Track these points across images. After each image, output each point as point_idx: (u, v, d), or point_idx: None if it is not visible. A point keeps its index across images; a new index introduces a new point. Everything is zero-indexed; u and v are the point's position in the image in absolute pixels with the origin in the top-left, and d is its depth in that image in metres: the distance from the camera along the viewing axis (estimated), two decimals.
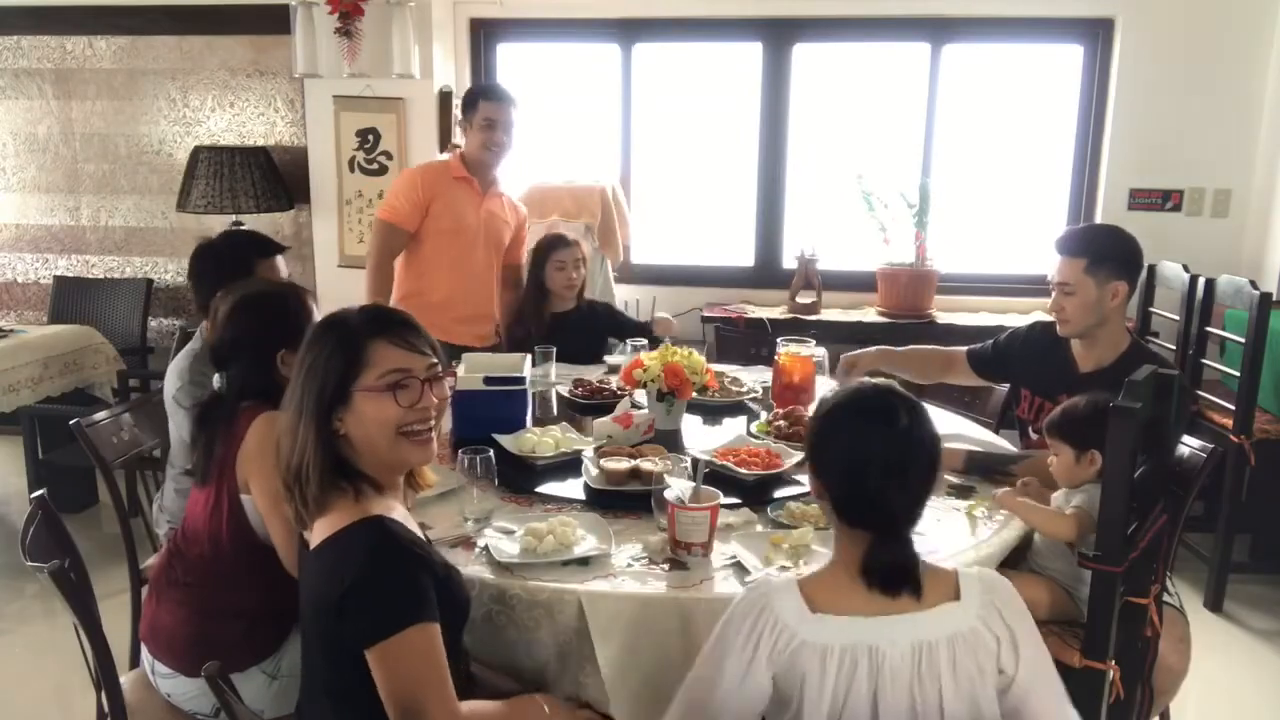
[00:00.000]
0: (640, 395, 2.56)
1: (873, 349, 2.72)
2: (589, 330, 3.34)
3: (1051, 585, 1.92)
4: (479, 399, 2.33)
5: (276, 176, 4.38)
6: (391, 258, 3.22)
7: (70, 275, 4.84)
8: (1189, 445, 2.14)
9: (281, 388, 1.82)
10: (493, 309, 3.37)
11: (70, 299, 4.68)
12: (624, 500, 1.96)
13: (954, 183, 4.41)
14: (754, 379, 2.94)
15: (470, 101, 3.27)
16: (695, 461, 1.83)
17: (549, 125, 4.70)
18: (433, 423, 1.47)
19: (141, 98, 4.66)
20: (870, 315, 4.27)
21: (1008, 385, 2.67)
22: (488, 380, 2.36)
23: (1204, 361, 3.43)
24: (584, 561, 1.68)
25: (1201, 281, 3.41)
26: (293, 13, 3.99)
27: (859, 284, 4.41)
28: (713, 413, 2.68)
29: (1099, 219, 4.22)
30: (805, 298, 4.30)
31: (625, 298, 4.47)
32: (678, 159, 4.66)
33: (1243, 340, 3.10)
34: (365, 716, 1.34)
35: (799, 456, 2.07)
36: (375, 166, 4.29)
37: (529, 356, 2.62)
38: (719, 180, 4.65)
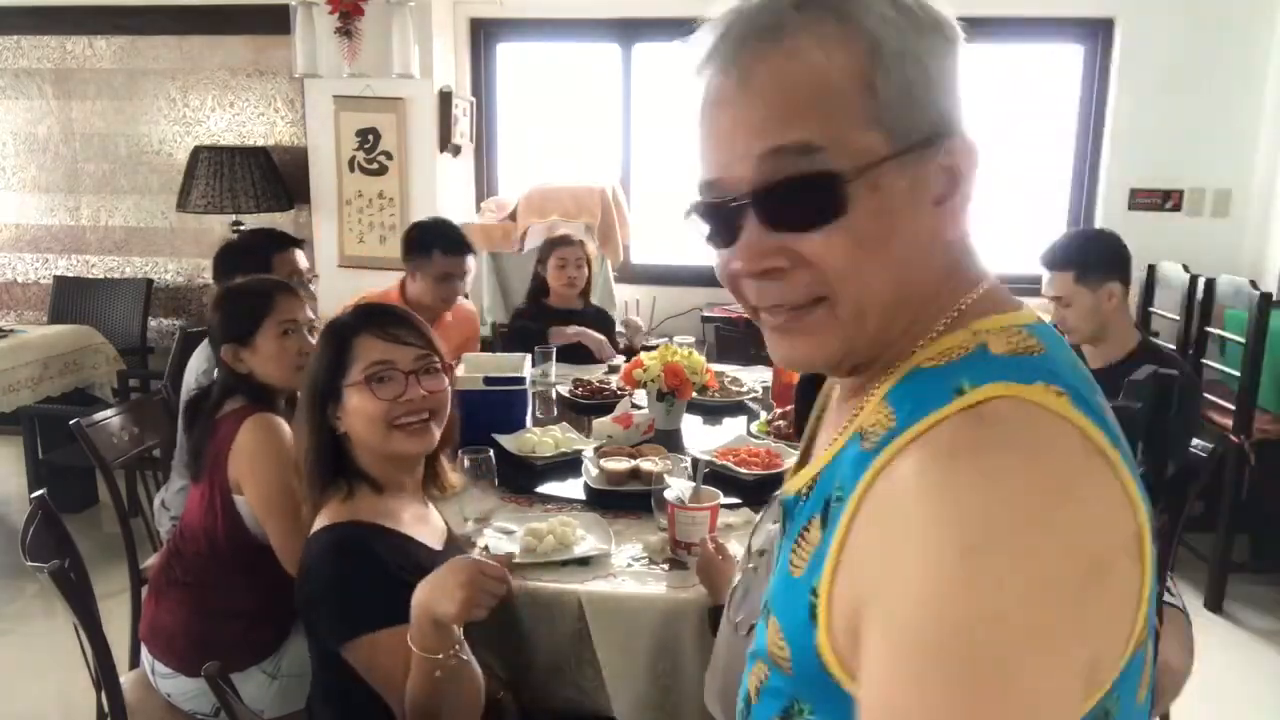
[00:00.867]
0: (640, 395, 2.56)
1: None
2: (598, 325, 3.36)
3: None
4: (479, 399, 2.33)
5: (276, 176, 4.38)
6: None
7: (70, 275, 4.84)
8: (1189, 445, 2.14)
9: (260, 387, 1.84)
10: None
11: (70, 299, 4.68)
12: (624, 500, 1.96)
13: None
14: (754, 379, 2.94)
15: (423, 247, 2.82)
16: (695, 461, 1.83)
17: (549, 125, 4.71)
18: (427, 414, 1.46)
19: (141, 98, 4.66)
20: None
21: None
22: (488, 380, 2.36)
23: (1204, 361, 3.43)
24: (584, 561, 1.68)
25: (1201, 281, 3.41)
26: (293, 13, 3.99)
27: None
28: (713, 412, 2.68)
29: (1099, 219, 4.22)
30: None
31: (625, 298, 4.48)
32: (678, 159, 4.65)
33: (1243, 340, 3.10)
34: (352, 712, 1.36)
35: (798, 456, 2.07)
36: (375, 166, 4.29)
37: (529, 356, 2.62)
38: None
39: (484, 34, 4.58)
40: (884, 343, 0.70)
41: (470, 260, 2.88)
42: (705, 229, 0.75)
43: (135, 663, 2.13)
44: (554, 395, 2.82)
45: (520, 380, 2.41)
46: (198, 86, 4.61)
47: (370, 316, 1.47)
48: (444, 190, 4.35)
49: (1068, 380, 0.63)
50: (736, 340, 4.00)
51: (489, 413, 2.30)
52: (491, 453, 1.94)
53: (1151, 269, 3.76)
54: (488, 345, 3.64)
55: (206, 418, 1.82)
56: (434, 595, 1.23)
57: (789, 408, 2.45)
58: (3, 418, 3.79)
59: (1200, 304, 3.40)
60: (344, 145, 4.27)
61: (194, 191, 4.24)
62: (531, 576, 1.63)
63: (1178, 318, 3.56)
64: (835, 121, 0.65)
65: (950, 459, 0.58)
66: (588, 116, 4.65)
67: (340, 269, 4.38)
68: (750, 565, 0.96)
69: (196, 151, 4.31)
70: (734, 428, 2.52)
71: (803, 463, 0.90)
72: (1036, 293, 2.43)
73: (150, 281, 4.68)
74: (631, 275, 4.58)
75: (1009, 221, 4.45)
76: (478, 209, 4.61)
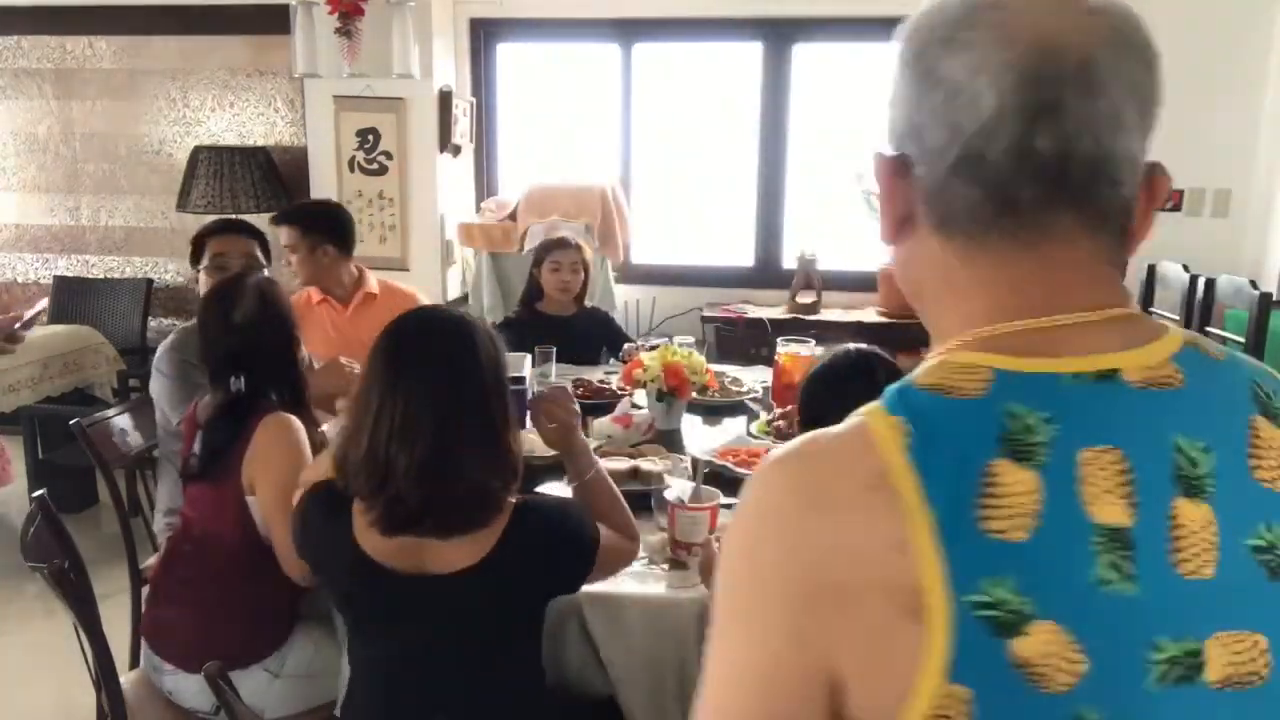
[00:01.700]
0: (640, 395, 2.56)
1: None
2: (586, 337, 3.30)
3: None
4: None
5: (276, 176, 4.38)
6: None
7: (70, 275, 4.83)
8: None
9: (298, 391, 1.84)
10: None
11: (70, 299, 4.68)
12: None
13: None
14: (754, 379, 2.94)
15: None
16: (695, 461, 1.83)
17: (549, 125, 4.71)
18: None
19: (141, 98, 4.66)
20: (870, 315, 4.27)
21: None
22: None
23: None
24: None
25: (1201, 281, 3.40)
26: (293, 13, 3.98)
27: (859, 284, 4.41)
28: (713, 413, 2.68)
29: None
30: (805, 298, 4.30)
31: (625, 298, 4.48)
32: (678, 159, 4.66)
33: (1243, 340, 3.10)
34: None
35: None
36: (375, 166, 4.29)
37: (528, 356, 2.62)
38: (719, 180, 4.65)
39: (484, 34, 4.58)
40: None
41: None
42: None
43: (135, 663, 2.13)
44: None
45: (521, 380, 2.41)
46: (198, 86, 4.61)
47: None
48: (444, 190, 4.35)
49: (953, 426, 0.60)
50: (736, 340, 4.00)
51: None
52: None
53: (1151, 269, 3.75)
54: None
55: (240, 419, 1.79)
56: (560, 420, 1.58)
57: (789, 408, 2.45)
58: (3, 418, 3.79)
59: (1200, 304, 3.39)
60: (344, 145, 4.27)
61: (194, 191, 4.24)
62: None
63: (1178, 318, 3.55)
64: None
65: (767, 460, 0.66)
66: (588, 116, 4.65)
67: None
68: None
69: (196, 151, 4.31)
70: (734, 428, 2.52)
71: None
72: None
73: (150, 281, 4.68)
74: (631, 275, 4.58)
75: None
76: (478, 209, 4.61)
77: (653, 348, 2.67)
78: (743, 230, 4.63)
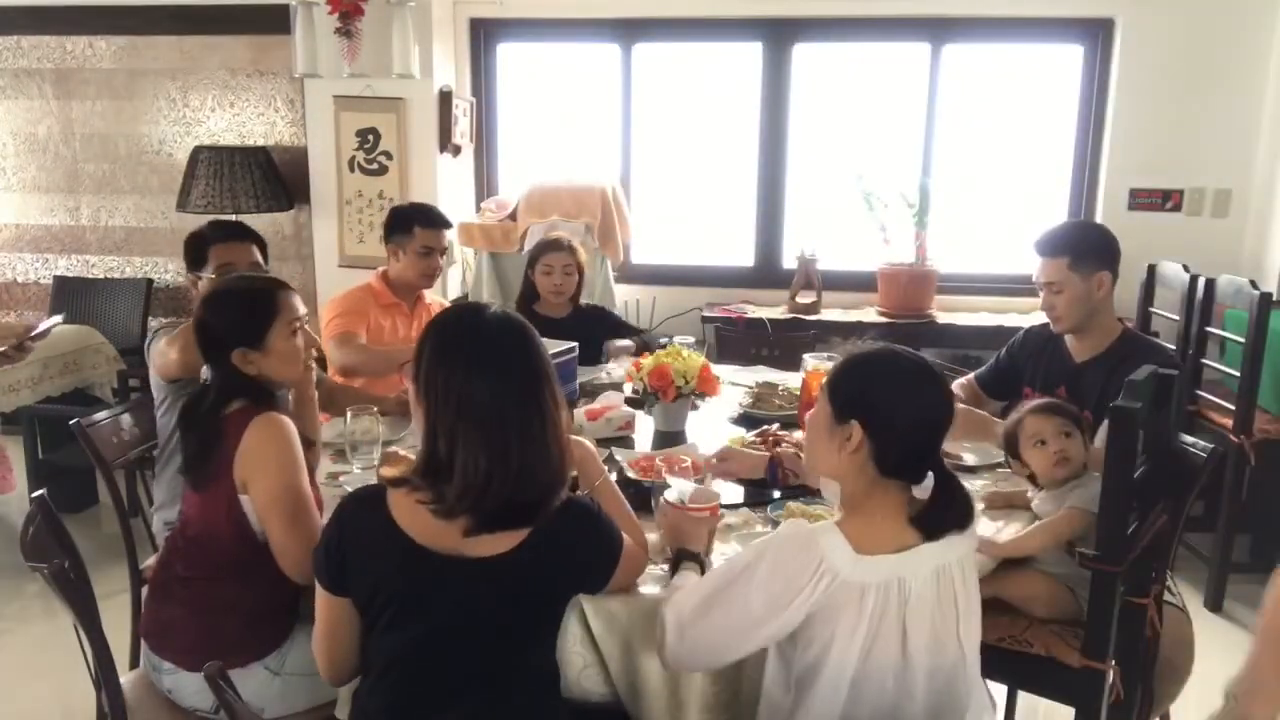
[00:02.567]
0: (629, 389, 2.56)
1: None
2: (580, 338, 3.28)
3: (1052, 583, 1.92)
4: None
5: (276, 176, 4.38)
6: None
7: (70, 275, 4.84)
8: (1189, 445, 2.14)
9: (262, 387, 1.83)
10: None
11: (70, 299, 4.68)
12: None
13: (954, 183, 4.41)
14: (754, 378, 2.94)
15: (404, 223, 2.95)
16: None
17: (549, 125, 4.71)
18: None
19: (141, 98, 4.66)
20: (870, 315, 4.27)
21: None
22: None
23: (1204, 361, 3.43)
24: None
25: (1201, 281, 3.40)
26: (293, 13, 3.99)
27: (859, 284, 4.41)
28: (714, 413, 2.67)
29: (1099, 219, 4.21)
30: (805, 298, 4.30)
31: (625, 298, 4.48)
32: (678, 159, 4.67)
33: (1243, 340, 3.10)
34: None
35: None
36: (375, 166, 4.29)
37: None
38: (719, 180, 4.65)
39: (484, 34, 4.58)
40: None
41: (448, 236, 2.99)
42: None
43: (135, 663, 2.13)
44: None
45: (571, 350, 2.57)
46: (198, 86, 4.61)
47: None
48: (444, 190, 4.35)
49: None
50: (736, 340, 4.00)
51: None
52: None
53: (1151, 269, 3.75)
54: None
55: (208, 420, 1.79)
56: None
57: (761, 429, 2.36)
58: (3, 418, 3.79)
59: (1200, 304, 3.40)
60: (344, 145, 4.27)
61: (194, 191, 4.24)
62: None
63: (1178, 318, 3.55)
64: None
65: None
66: (588, 116, 4.65)
67: (340, 269, 4.38)
68: None
69: (196, 151, 4.31)
70: (735, 429, 2.51)
71: None
72: (1035, 292, 2.43)
73: (150, 281, 4.69)
74: (631, 275, 4.58)
75: (1009, 221, 4.46)
76: (478, 209, 4.61)
77: (661, 346, 2.66)
78: (743, 230, 4.63)
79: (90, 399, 4.07)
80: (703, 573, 1.57)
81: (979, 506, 1.99)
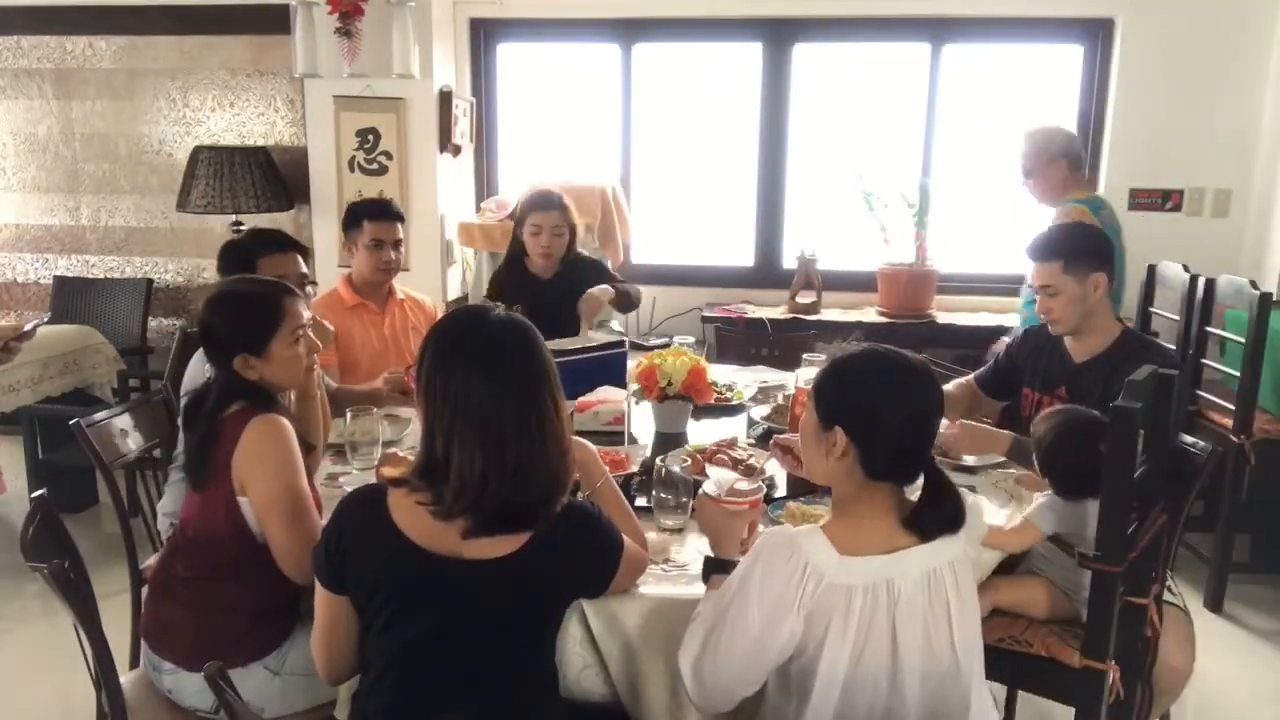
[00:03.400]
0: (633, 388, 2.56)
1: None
2: (571, 294, 3.18)
3: (1050, 587, 1.92)
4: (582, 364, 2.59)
5: (276, 176, 4.38)
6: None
7: (70, 275, 4.84)
8: (1189, 445, 2.14)
9: (262, 390, 1.83)
10: None
11: (70, 299, 4.68)
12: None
13: (954, 183, 4.41)
14: (754, 378, 2.94)
15: (354, 219, 2.94)
16: (666, 470, 1.83)
17: (549, 125, 4.71)
18: None
19: (141, 98, 4.66)
20: (870, 315, 4.27)
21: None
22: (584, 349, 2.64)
23: (1204, 361, 3.43)
24: None
25: (1201, 281, 3.40)
26: (293, 13, 3.99)
27: (859, 284, 4.41)
28: (716, 414, 2.67)
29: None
30: (805, 298, 4.30)
31: None
32: (678, 159, 4.66)
33: (1243, 340, 3.10)
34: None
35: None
36: (375, 166, 4.29)
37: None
38: (719, 180, 4.65)
39: (484, 34, 4.58)
40: None
41: (399, 228, 2.96)
42: None
43: (135, 662, 2.13)
44: None
45: (620, 344, 2.67)
46: (198, 86, 4.61)
47: None
48: (444, 190, 4.35)
49: None
50: (736, 340, 4.00)
51: (592, 376, 2.57)
52: None
53: (1151, 269, 3.75)
54: None
55: (208, 421, 1.79)
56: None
57: (718, 443, 2.31)
58: (3, 418, 3.79)
59: (1200, 304, 3.40)
60: (344, 145, 4.27)
61: (194, 191, 4.24)
62: None
63: (1178, 318, 3.55)
64: None
65: None
66: (588, 116, 4.65)
67: (341, 269, 4.37)
68: None
69: (196, 151, 4.31)
70: (735, 429, 2.51)
71: None
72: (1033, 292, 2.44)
73: (150, 281, 4.68)
74: (631, 275, 4.56)
75: (1009, 221, 4.45)
76: (478, 209, 4.61)
77: (654, 347, 2.67)
78: (743, 230, 4.63)
79: (90, 399, 4.07)
80: None
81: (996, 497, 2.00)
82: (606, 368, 2.67)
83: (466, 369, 1.37)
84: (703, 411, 2.65)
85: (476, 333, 1.42)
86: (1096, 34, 4.23)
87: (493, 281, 3.43)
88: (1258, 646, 3.04)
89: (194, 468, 1.78)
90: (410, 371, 1.49)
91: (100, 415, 2.35)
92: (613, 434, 2.38)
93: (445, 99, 4.26)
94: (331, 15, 3.97)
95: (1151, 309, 3.78)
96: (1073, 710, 1.82)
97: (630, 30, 4.47)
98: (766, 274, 4.59)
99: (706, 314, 4.30)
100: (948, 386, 2.60)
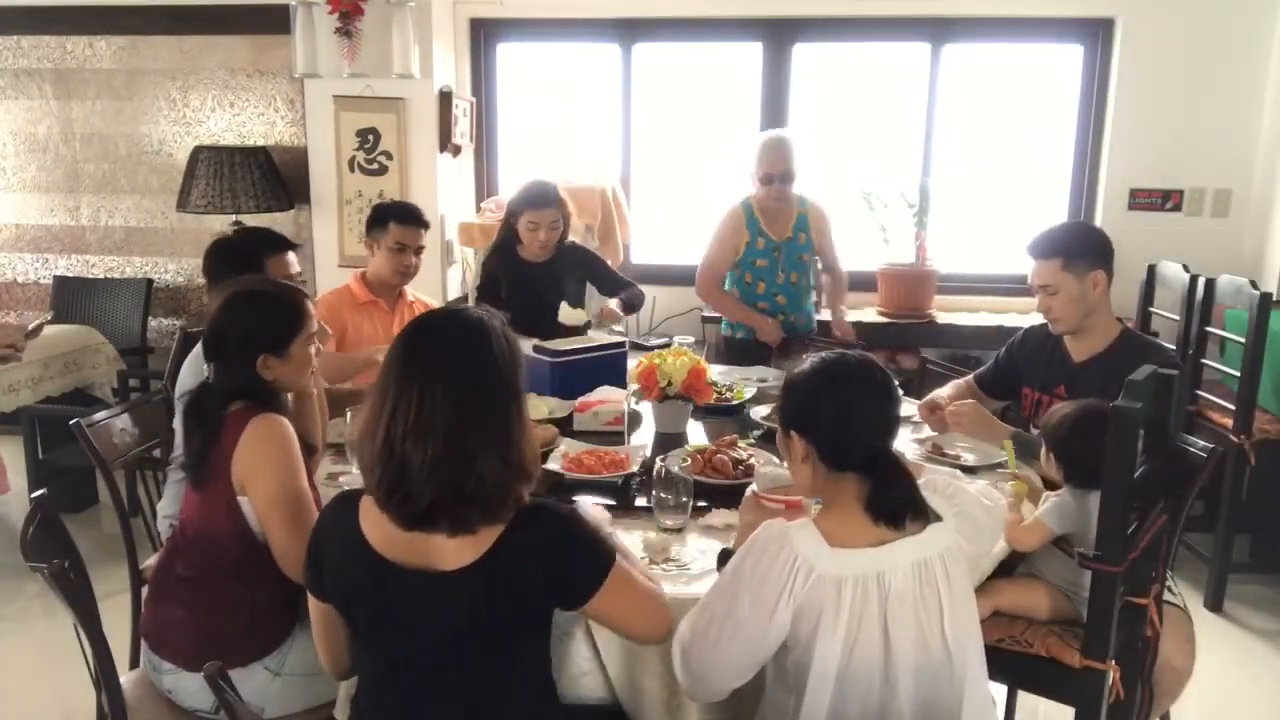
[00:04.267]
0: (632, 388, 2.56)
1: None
2: (560, 279, 3.22)
3: (1050, 588, 1.92)
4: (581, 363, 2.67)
5: (276, 176, 4.38)
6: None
7: (70, 275, 4.83)
8: (1189, 445, 2.14)
9: (268, 389, 1.83)
10: None
11: (70, 299, 4.68)
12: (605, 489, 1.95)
13: (954, 183, 4.41)
14: (753, 378, 2.94)
15: (380, 219, 2.98)
16: (666, 470, 1.83)
17: (549, 125, 4.71)
18: None
19: (141, 98, 4.66)
20: (870, 315, 4.26)
21: None
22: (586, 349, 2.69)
23: (1204, 361, 3.43)
24: None
25: (1201, 281, 3.40)
26: (293, 13, 3.99)
27: (859, 284, 4.39)
28: (718, 415, 2.66)
29: (1099, 219, 4.22)
30: None
31: None
32: (678, 159, 4.66)
33: (1243, 340, 3.10)
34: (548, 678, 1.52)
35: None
36: (375, 166, 4.29)
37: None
38: (719, 180, 4.65)
39: (484, 34, 4.58)
40: None
41: (424, 234, 2.99)
42: None
43: (135, 663, 2.13)
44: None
45: (620, 344, 2.72)
46: (198, 86, 4.61)
47: None
48: (444, 190, 4.35)
49: None
50: (736, 340, 3.98)
51: (592, 376, 2.62)
52: None
53: (1151, 269, 3.75)
54: None
55: (212, 419, 1.78)
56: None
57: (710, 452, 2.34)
58: (3, 418, 3.79)
59: (1200, 304, 3.40)
60: (344, 145, 4.27)
61: (194, 191, 4.24)
62: None
63: (1178, 318, 3.55)
64: None
65: None
66: (588, 116, 4.65)
67: (340, 269, 4.38)
68: None
69: (196, 151, 4.31)
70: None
71: None
72: (1034, 292, 2.43)
73: (150, 281, 4.68)
74: (631, 275, 4.55)
75: (1009, 221, 4.45)
76: (478, 209, 4.61)
77: (653, 347, 2.67)
78: None
79: (90, 399, 4.07)
80: None
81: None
82: (606, 368, 2.69)
83: (409, 363, 1.34)
84: (708, 413, 2.62)
85: (428, 328, 1.40)
86: (1096, 34, 4.23)
87: (483, 267, 3.44)
88: (1258, 646, 3.04)
89: (194, 465, 1.78)
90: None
91: (100, 415, 2.35)
92: (613, 434, 2.38)
93: (445, 99, 4.26)
94: (331, 15, 3.97)
95: (1151, 309, 3.78)
96: (1073, 710, 1.82)
97: (630, 30, 4.47)
98: None
99: (707, 314, 4.29)
100: (944, 389, 2.60)
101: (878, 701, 1.37)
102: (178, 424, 2.26)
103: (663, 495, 1.82)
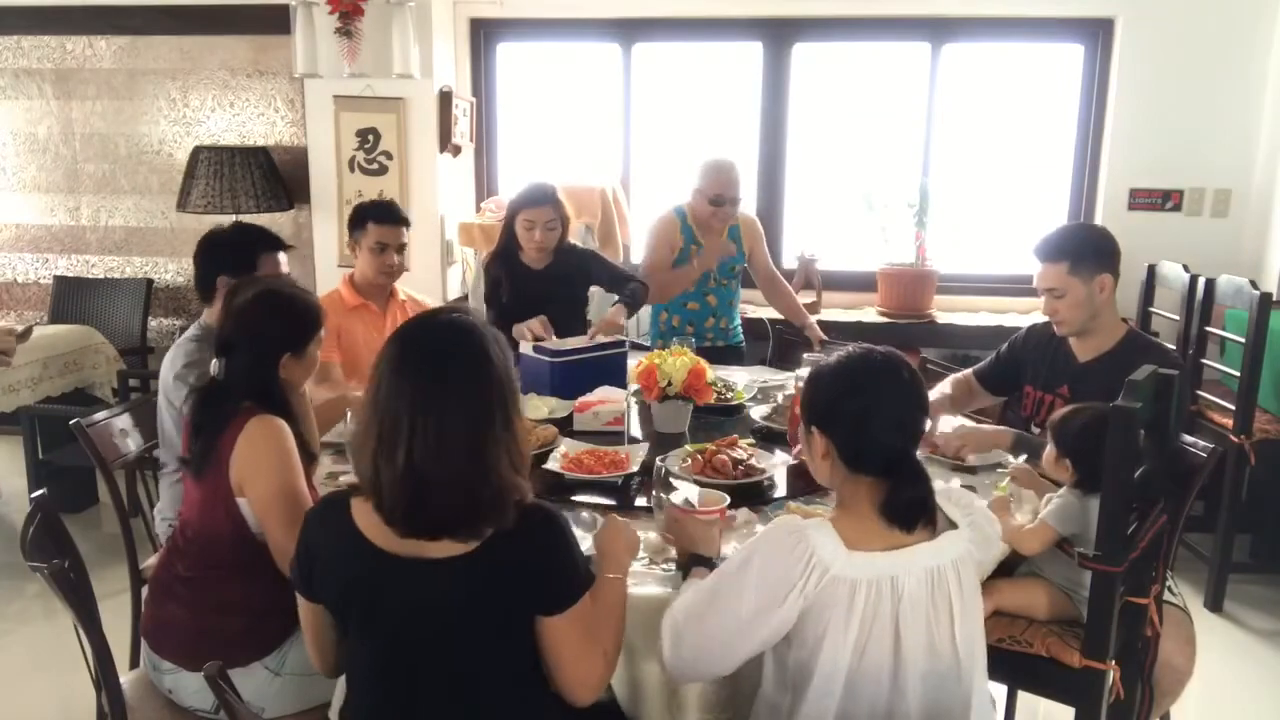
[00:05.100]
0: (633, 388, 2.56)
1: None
2: (562, 283, 3.21)
3: (1050, 588, 1.92)
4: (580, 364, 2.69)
5: (276, 176, 4.38)
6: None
7: (70, 275, 4.84)
8: (1189, 445, 2.14)
9: (280, 390, 1.83)
10: None
11: (70, 299, 4.68)
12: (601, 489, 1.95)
13: (954, 183, 4.41)
14: (754, 378, 2.94)
15: (359, 220, 2.94)
16: (665, 470, 1.83)
17: (549, 125, 4.71)
18: None
19: (141, 98, 4.66)
20: (870, 315, 4.27)
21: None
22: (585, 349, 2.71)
23: (1204, 361, 3.43)
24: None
25: (1201, 281, 3.41)
26: (293, 13, 3.99)
27: (859, 284, 4.41)
28: (718, 415, 2.66)
29: (1099, 219, 4.22)
30: (805, 298, 4.29)
31: None
32: (678, 159, 4.66)
33: (1243, 340, 3.10)
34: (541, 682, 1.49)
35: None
36: (375, 166, 4.29)
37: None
38: None
39: (484, 34, 4.58)
40: None
41: (404, 232, 2.95)
42: None
43: (135, 663, 2.14)
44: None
45: (620, 344, 2.75)
46: (198, 86, 4.61)
47: None
48: (444, 190, 4.35)
49: None
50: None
51: (592, 376, 2.63)
52: None
53: (1151, 269, 3.76)
54: None
55: (223, 415, 1.78)
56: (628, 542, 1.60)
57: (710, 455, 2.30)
58: (3, 418, 3.79)
59: (1200, 304, 3.40)
60: (344, 145, 4.27)
61: (194, 191, 4.24)
62: None
63: (1178, 318, 3.56)
64: None
65: None
66: (588, 116, 4.65)
67: (340, 269, 4.37)
68: None
69: (196, 151, 4.32)
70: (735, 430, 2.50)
71: None
72: (1034, 292, 2.43)
73: (150, 281, 4.69)
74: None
75: (1009, 221, 4.46)
76: (478, 209, 4.61)
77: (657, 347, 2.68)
78: None
79: (90, 399, 4.07)
80: None
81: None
82: (606, 368, 2.69)
83: (398, 368, 1.35)
84: (709, 413, 2.60)
85: (415, 332, 1.40)
86: (1096, 34, 4.23)
87: (485, 272, 3.44)
88: (1258, 646, 3.04)
89: (198, 459, 1.78)
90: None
91: (100, 415, 2.35)
92: (613, 434, 2.38)
93: (445, 99, 4.26)
94: (331, 15, 3.97)
95: (1151, 309, 3.78)
96: (1073, 710, 1.82)
97: (630, 30, 4.47)
98: None
99: None
100: (943, 385, 2.60)
101: (885, 704, 1.37)
102: (167, 421, 2.27)
103: (663, 495, 1.82)
